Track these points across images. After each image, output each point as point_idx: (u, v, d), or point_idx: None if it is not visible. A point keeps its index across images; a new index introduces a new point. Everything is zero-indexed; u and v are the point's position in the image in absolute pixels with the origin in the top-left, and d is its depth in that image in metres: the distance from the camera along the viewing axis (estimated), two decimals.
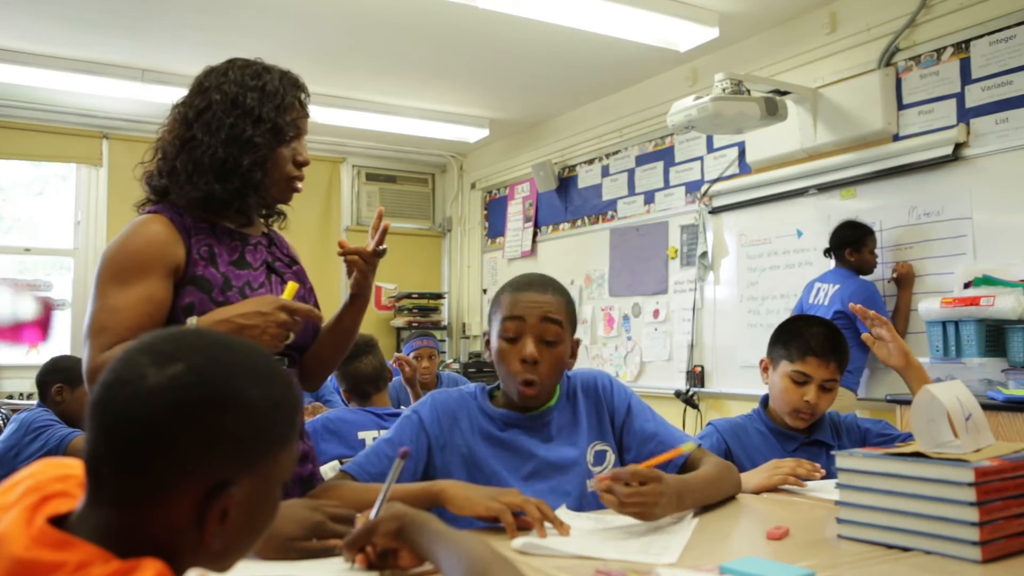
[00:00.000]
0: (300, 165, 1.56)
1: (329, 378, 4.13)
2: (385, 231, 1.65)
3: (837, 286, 3.65)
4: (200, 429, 0.69)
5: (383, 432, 2.76)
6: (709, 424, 2.00)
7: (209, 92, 1.50)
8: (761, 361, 2.05)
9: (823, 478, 1.83)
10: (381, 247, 1.64)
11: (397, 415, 2.87)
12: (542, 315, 1.52)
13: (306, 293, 1.61)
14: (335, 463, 2.54)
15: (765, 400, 2.03)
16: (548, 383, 1.55)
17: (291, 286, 1.43)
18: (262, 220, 1.64)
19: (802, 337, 1.94)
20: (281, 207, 1.67)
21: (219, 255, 1.48)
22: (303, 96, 1.58)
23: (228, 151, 1.47)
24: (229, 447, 0.70)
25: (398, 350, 6.77)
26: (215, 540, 0.70)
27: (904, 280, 3.59)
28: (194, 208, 1.49)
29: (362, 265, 1.62)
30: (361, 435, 2.75)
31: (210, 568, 0.75)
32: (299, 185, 1.58)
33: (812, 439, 1.95)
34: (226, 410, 0.70)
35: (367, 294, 1.69)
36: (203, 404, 0.69)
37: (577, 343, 1.62)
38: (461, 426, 1.56)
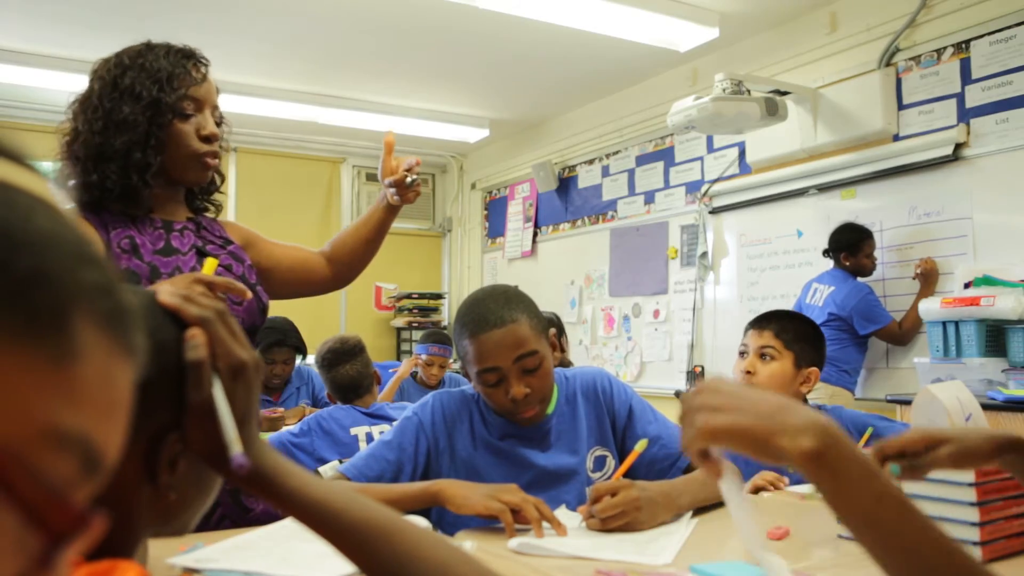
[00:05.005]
0: (208, 139, 1.47)
1: None
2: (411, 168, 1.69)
3: (832, 288, 3.66)
4: None
5: (375, 428, 2.79)
6: None
7: (92, 81, 1.45)
8: None
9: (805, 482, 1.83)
10: (411, 178, 1.68)
11: (383, 414, 2.89)
12: (516, 356, 1.46)
13: (245, 270, 1.55)
14: (335, 463, 2.55)
15: None
16: (545, 399, 1.54)
17: (210, 261, 1.33)
18: (192, 210, 1.57)
19: (753, 320, 2.05)
20: (218, 199, 1.61)
21: (142, 245, 1.43)
22: (197, 64, 1.49)
23: (104, 136, 1.40)
24: (163, 388, 0.66)
25: (399, 350, 6.78)
26: (170, 491, 0.67)
27: (928, 277, 3.53)
28: (83, 207, 1.42)
29: (403, 193, 1.69)
30: (354, 431, 2.76)
31: (168, 529, 0.72)
32: (211, 161, 1.49)
33: None
34: (152, 350, 0.68)
35: (398, 211, 1.76)
36: None
37: (554, 337, 1.58)
38: (462, 430, 1.55)
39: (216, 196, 1.62)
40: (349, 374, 2.95)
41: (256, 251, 1.64)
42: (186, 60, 1.48)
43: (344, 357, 2.96)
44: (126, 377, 0.39)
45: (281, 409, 3.53)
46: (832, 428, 0.69)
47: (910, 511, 0.67)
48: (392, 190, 1.68)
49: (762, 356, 1.95)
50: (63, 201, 0.40)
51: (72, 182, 1.42)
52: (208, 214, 1.61)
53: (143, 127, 1.41)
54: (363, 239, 1.76)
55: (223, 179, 1.60)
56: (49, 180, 0.39)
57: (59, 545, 0.33)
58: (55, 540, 0.33)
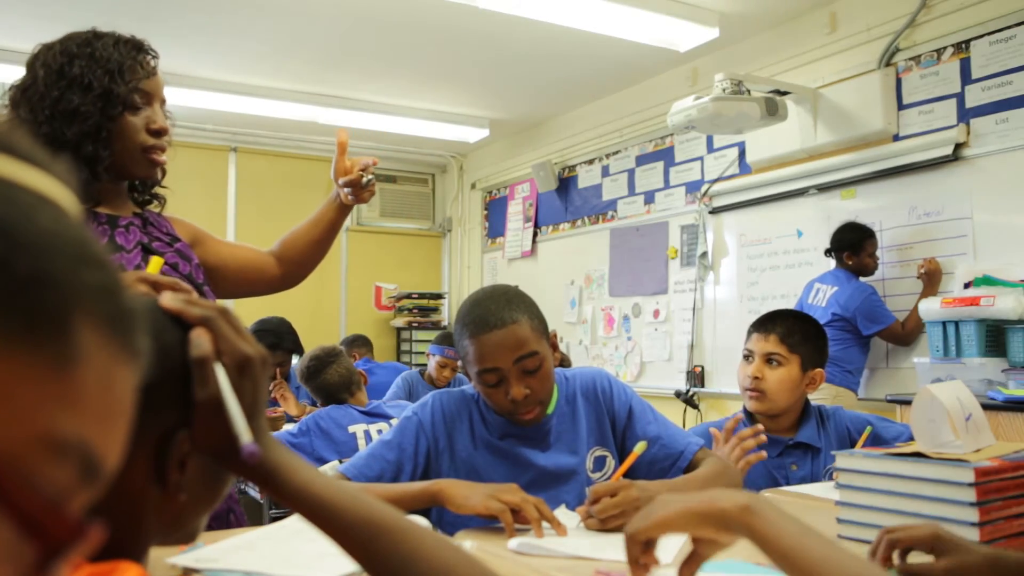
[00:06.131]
0: (156, 134, 1.42)
1: None
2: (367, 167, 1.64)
3: (835, 288, 3.65)
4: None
5: (373, 427, 2.80)
6: (690, 431, 1.95)
7: (35, 68, 1.39)
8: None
9: (810, 480, 1.82)
10: (367, 178, 1.63)
11: (380, 412, 2.90)
12: (516, 356, 1.46)
13: (192, 270, 1.51)
14: (335, 463, 2.55)
15: None
16: (545, 401, 1.53)
17: (155, 260, 1.28)
18: (136, 204, 1.52)
19: (755, 321, 2.01)
20: (161, 191, 1.55)
21: None
22: (147, 57, 1.45)
23: (52, 126, 1.35)
24: (169, 389, 0.67)
25: (398, 350, 6.78)
26: (180, 492, 0.67)
27: (932, 277, 3.51)
28: None
29: (358, 194, 1.65)
30: (351, 429, 2.77)
31: (176, 536, 0.71)
32: (159, 157, 1.44)
33: (796, 441, 1.90)
34: (156, 353, 0.66)
35: (349, 210, 1.73)
36: None
37: (554, 337, 1.58)
38: (462, 430, 1.55)
39: (158, 190, 1.56)
40: (338, 372, 2.97)
41: (204, 249, 1.60)
42: (136, 52, 1.44)
43: (328, 361, 2.99)
44: (128, 381, 0.39)
45: (281, 409, 3.53)
46: (754, 493, 0.81)
47: (833, 543, 0.75)
48: (347, 189, 1.64)
49: (768, 361, 1.91)
50: (71, 200, 0.39)
51: None
52: (153, 208, 1.56)
53: (95, 118, 1.36)
54: (314, 240, 1.72)
55: (164, 174, 1.54)
56: (57, 178, 0.39)
57: (55, 555, 0.33)
58: (51, 550, 0.32)
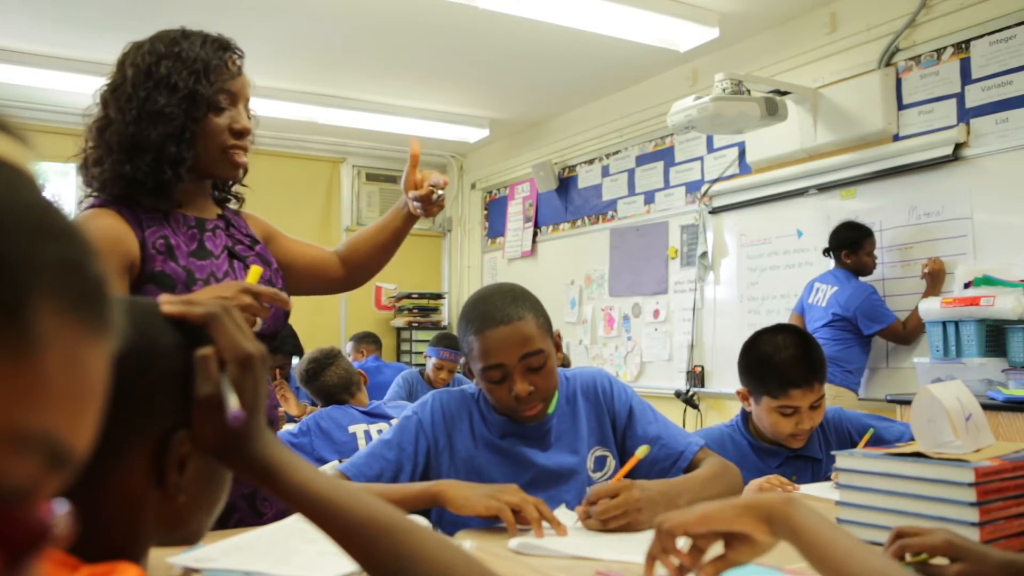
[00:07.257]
0: (238, 134, 1.44)
1: None
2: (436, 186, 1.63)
3: (836, 288, 3.65)
4: (137, 381, 0.64)
5: (373, 427, 2.80)
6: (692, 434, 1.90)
7: (124, 68, 1.41)
8: (738, 391, 1.94)
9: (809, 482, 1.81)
10: (437, 194, 1.62)
11: (380, 412, 2.90)
12: (521, 353, 1.46)
13: (272, 275, 1.53)
14: (335, 463, 2.55)
15: (746, 413, 1.95)
16: (547, 398, 1.53)
17: (255, 270, 1.30)
18: (215, 203, 1.54)
19: (777, 369, 1.81)
20: (240, 190, 1.58)
21: (177, 247, 1.39)
22: (233, 57, 1.46)
23: (138, 127, 1.36)
24: (168, 391, 0.67)
25: (398, 350, 6.78)
26: (180, 493, 0.66)
27: (936, 277, 3.49)
28: (116, 200, 1.38)
29: (428, 209, 1.65)
30: (352, 429, 2.77)
31: (177, 536, 0.71)
32: (240, 157, 1.46)
33: (796, 453, 1.88)
34: (155, 355, 0.67)
35: (416, 220, 1.73)
36: (133, 356, 0.62)
37: (558, 337, 1.58)
38: (462, 429, 1.55)
39: (238, 188, 1.60)
40: (337, 374, 2.98)
41: (275, 246, 1.63)
42: (223, 51, 1.45)
43: (327, 362, 3.00)
44: (98, 359, 0.36)
45: (281, 409, 3.53)
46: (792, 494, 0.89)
47: (858, 540, 0.80)
48: (416, 204, 1.64)
49: (812, 407, 1.81)
50: (29, 160, 0.35)
51: (103, 172, 1.39)
52: (231, 205, 1.59)
53: (179, 120, 1.38)
54: (379, 245, 1.75)
55: (245, 172, 1.56)
56: (14, 137, 0.35)
57: (19, 557, 0.31)
58: (14, 555, 0.31)
